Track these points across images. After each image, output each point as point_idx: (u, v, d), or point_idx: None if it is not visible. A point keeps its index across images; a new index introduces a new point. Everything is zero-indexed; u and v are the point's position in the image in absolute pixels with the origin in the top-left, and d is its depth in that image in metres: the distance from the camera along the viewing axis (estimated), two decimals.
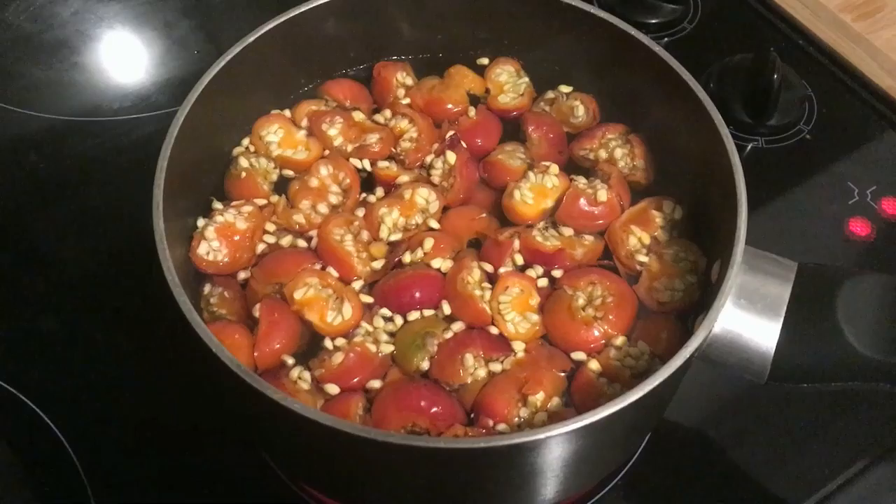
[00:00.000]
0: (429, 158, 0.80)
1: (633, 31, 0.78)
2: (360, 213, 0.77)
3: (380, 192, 0.79)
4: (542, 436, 0.56)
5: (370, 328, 0.71)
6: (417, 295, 0.72)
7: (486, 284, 0.73)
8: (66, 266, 0.89)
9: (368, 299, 0.72)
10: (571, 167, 0.82)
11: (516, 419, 0.66)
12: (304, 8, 0.78)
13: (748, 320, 0.63)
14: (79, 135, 0.98)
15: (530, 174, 0.78)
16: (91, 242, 0.91)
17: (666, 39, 1.06)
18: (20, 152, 0.98)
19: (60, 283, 0.89)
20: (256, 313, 0.70)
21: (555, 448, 0.59)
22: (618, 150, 0.80)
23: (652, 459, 0.79)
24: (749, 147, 0.97)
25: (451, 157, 0.79)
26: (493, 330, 0.71)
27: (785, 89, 0.97)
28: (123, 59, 1.06)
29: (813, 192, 0.94)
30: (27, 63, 1.05)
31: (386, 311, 0.71)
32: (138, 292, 0.82)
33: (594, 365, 0.69)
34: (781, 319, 0.63)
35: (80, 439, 0.78)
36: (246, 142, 0.82)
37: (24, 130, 0.99)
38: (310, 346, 0.71)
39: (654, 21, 1.06)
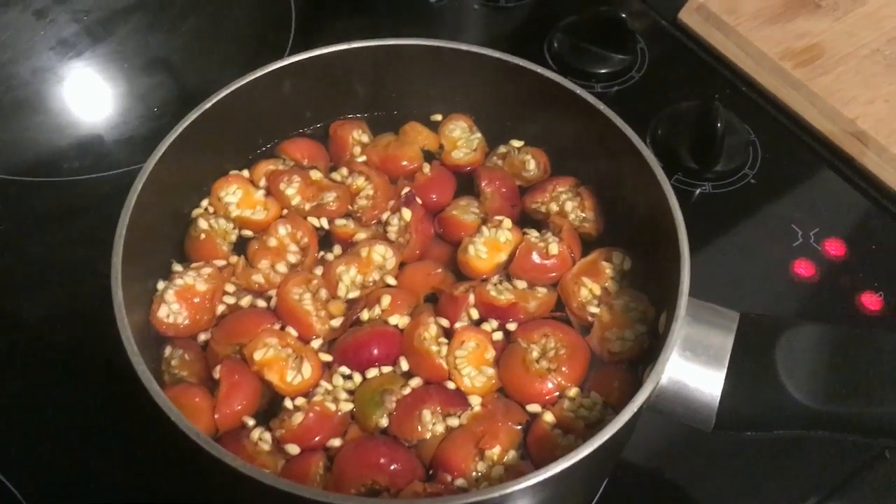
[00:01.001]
0: (385, 215, 0.82)
1: (577, 90, 0.81)
2: (319, 271, 0.79)
3: (337, 249, 0.81)
4: (497, 493, 0.57)
5: (329, 387, 0.72)
6: (375, 352, 0.73)
7: (443, 339, 0.75)
8: (25, 329, 0.89)
9: (328, 357, 0.73)
10: (524, 220, 0.84)
11: (474, 473, 0.68)
12: (261, 72, 0.80)
13: (694, 371, 0.65)
14: (36, 194, 0.98)
15: (484, 229, 0.80)
16: (51, 304, 0.91)
17: (616, 88, 1.09)
18: None
19: (18, 346, 0.89)
20: (217, 375, 0.71)
21: (514, 503, 0.61)
22: (568, 203, 0.83)
23: (611, 502, 0.81)
24: (697, 192, 1.01)
25: (407, 213, 0.81)
26: (450, 385, 0.72)
27: (729, 135, 1.01)
28: (83, 117, 1.07)
29: (758, 235, 0.97)
30: None
31: (345, 369, 0.73)
32: (100, 355, 0.82)
33: (549, 417, 0.71)
34: (725, 369, 0.65)
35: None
36: (205, 203, 0.83)
37: None
38: (270, 405, 0.72)
39: (603, 71, 1.09)
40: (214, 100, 0.78)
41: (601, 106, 0.79)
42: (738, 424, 0.65)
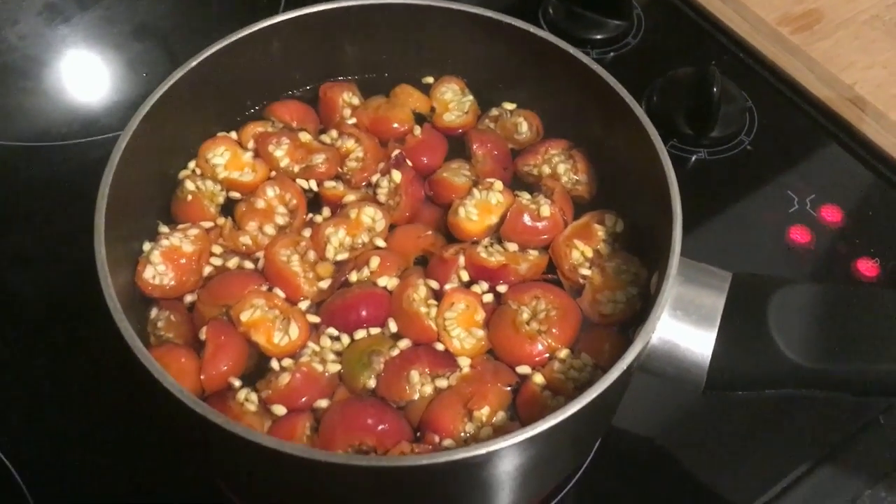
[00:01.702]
0: (374, 178, 0.81)
1: (571, 50, 0.79)
2: (307, 233, 0.78)
3: (326, 212, 0.80)
4: (484, 450, 0.56)
5: (317, 348, 0.71)
6: (364, 313, 0.72)
7: (432, 301, 0.74)
8: (11, 294, 0.89)
9: (315, 319, 0.73)
10: (516, 183, 0.83)
11: (462, 434, 0.67)
12: (248, 30, 0.79)
13: (684, 330, 0.65)
14: (25, 160, 0.97)
15: (475, 191, 0.79)
16: (38, 270, 0.90)
17: (612, 54, 1.08)
18: None
19: (7, 312, 0.88)
20: (203, 336, 0.70)
21: (501, 461, 0.60)
22: (560, 166, 0.82)
23: (602, 466, 0.80)
24: (693, 159, 0.99)
25: (397, 175, 0.80)
26: (439, 346, 0.71)
27: (726, 102, 0.99)
28: (72, 83, 1.06)
29: (754, 201, 0.97)
30: None
31: (333, 331, 0.72)
32: (87, 320, 0.82)
33: (538, 378, 0.70)
34: (716, 329, 0.64)
35: (30, 471, 0.78)
36: (192, 165, 0.82)
37: None
38: (257, 367, 0.71)
39: (599, 37, 1.08)
40: (199, 59, 0.76)
41: (595, 67, 0.78)
42: (729, 384, 0.65)
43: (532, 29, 0.81)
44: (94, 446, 0.80)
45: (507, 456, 0.60)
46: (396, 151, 0.82)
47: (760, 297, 0.65)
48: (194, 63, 0.76)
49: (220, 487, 0.78)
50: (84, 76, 1.06)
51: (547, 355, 0.71)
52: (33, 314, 0.88)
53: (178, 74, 0.75)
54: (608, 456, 0.80)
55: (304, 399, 0.68)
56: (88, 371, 0.83)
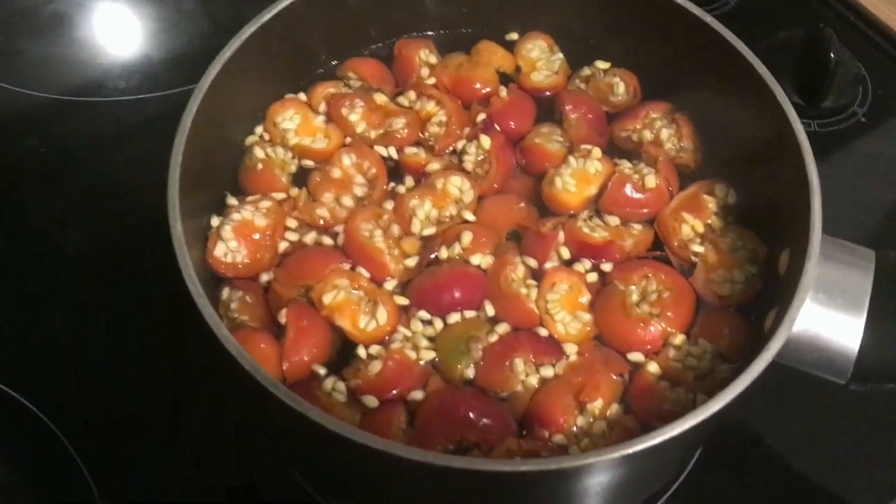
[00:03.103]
0: (460, 144, 0.74)
1: (679, 0, 0.71)
2: (389, 205, 0.71)
3: (409, 181, 0.73)
4: (617, 454, 0.51)
5: (408, 333, 0.65)
6: (457, 295, 0.66)
7: (531, 282, 0.67)
8: (69, 258, 0.82)
9: (403, 301, 0.66)
10: (612, 150, 0.76)
11: (574, 429, 0.61)
12: None
13: (828, 316, 0.58)
14: (81, 115, 0.91)
15: (571, 159, 0.72)
16: (96, 232, 0.84)
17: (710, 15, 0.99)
18: (18, 134, 0.91)
19: (63, 277, 0.82)
20: (282, 319, 0.64)
21: (624, 463, 0.54)
22: (664, 131, 0.74)
23: (711, 463, 0.73)
24: None
25: (486, 141, 0.73)
26: (542, 331, 0.65)
27: (838, 69, 0.91)
28: (128, 34, 0.99)
29: (869, 177, 0.89)
30: (25, 39, 0.97)
31: (424, 314, 0.66)
32: (150, 288, 0.76)
33: (653, 367, 0.63)
34: (864, 314, 0.58)
35: (92, 455, 0.72)
36: (259, 130, 0.75)
37: (23, 110, 0.91)
38: (340, 354, 0.65)
39: None
40: (272, 13, 0.70)
41: (707, 18, 0.70)
42: (879, 376, 0.58)
43: None
44: (161, 428, 0.74)
45: (634, 457, 0.53)
46: (482, 115, 0.75)
47: None
48: (266, 17, 0.69)
49: (295, 477, 0.73)
50: (141, 28, 0.99)
51: (661, 341, 0.64)
52: (89, 284, 0.81)
53: (250, 30, 0.68)
54: (715, 452, 0.73)
55: (396, 390, 0.62)
56: (152, 349, 0.77)
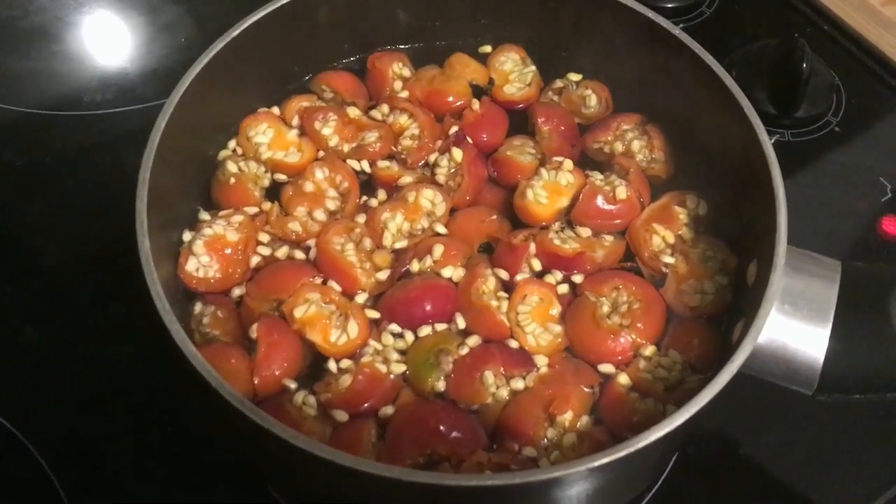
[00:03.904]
0: (432, 157, 0.74)
1: (649, 13, 0.72)
2: (361, 219, 0.71)
3: (381, 195, 0.73)
4: (584, 467, 0.51)
5: (379, 346, 0.65)
6: (428, 308, 0.66)
7: (503, 294, 0.67)
8: (45, 271, 0.82)
9: (375, 314, 0.66)
10: (585, 161, 0.76)
11: (544, 441, 0.61)
12: None
13: (794, 327, 0.58)
14: (59, 129, 0.91)
15: (543, 171, 0.72)
16: (71, 246, 0.83)
17: (682, 25, 0.99)
18: None
19: (37, 291, 0.82)
20: (253, 334, 0.64)
21: (595, 474, 0.54)
22: (635, 143, 0.75)
23: (684, 472, 0.73)
24: (773, 140, 0.91)
25: (458, 154, 0.73)
26: (513, 343, 0.65)
27: (811, 79, 0.91)
28: (105, 47, 0.99)
29: (842, 188, 0.89)
30: (1, 53, 0.97)
31: (395, 327, 0.66)
32: (125, 309, 0.76)
33: (623, 379, 0.64)
34: (830, 325, 0.58)
35: (65, 471, 0.71)
36: (232, 144, 0.75)
37: (0, 125, 0.91)
38: (312, 367, 0.65)
39: (670, 5, 0.99)
40: (242, 27, 0.70)
41: (676, 31, 0.70)
42: (845, 387, 0.58)
43: None
44: (134, 443, 0.73)
45: (601, 470, 0.54)
46: (455, 128, 0.75)
47: (880, 290, 0.58)
48: (237, 31, 0.69)
49: (270, 493, 0.72)
50: (119, 41, 0.99)
51: (631, 352, 0.65)
52: (66, 300, 0.81)
53: (221, 43, 0.68)
54: (689, 462, 0.73)
55: (367, 403, 0.62)
56: (129, 361, 0.76)
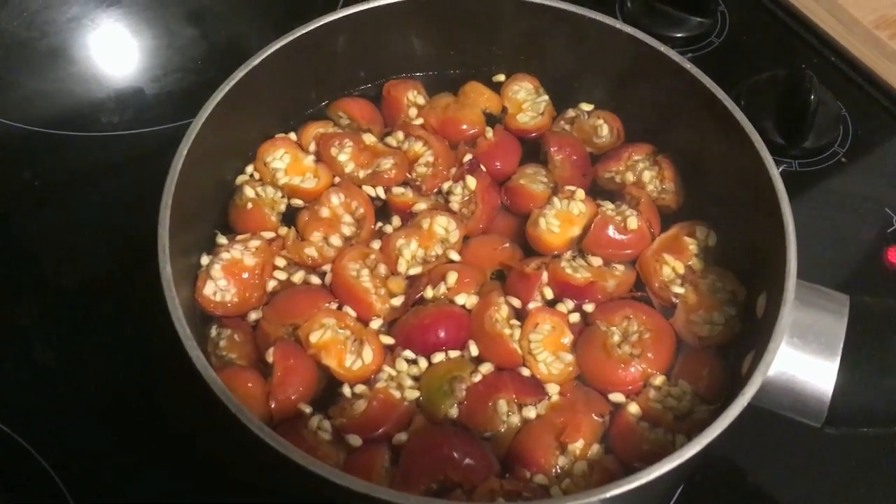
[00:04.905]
0: (447, 184, 0.76)
1: (660, 47, 0.74)
2: (376, 245, 0.72)
3: (396, 221, 0.74)
4: (596, 497, 0.52)
5: (393, 372, 0.66)
6: (442, 335, 0.67)
7: (515, 322, 0.68)
8: (61, 291, 0.83)
9: (389, 340, 0.67)
10: (596, 190, 0.77)
11: (555, 469, 0.62)
12: (313, 26, 0.73)
13: (803, 360, 0.59)
14: (75, 149, 0.92)
15: (555, 200, 0.74)
16: (87, 267, 0.84)
17: (690, 55, 1.01)
18: (13, 168, 0.91)
19: (53, 310, 0.83)
20: (270, 358, 0.65)
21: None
22: (646, 173, 0.76)
23: (691, 502, 0.74)
24: (781, 169, 0.92)
25: (472, 182, 0.74)
26: (525, 371, 0.66)
27: (819, 109, 0.92)
28: (122, 69, 1.00)
29: (848, 218, 0.89)
30: (21, 73, 0.98)
31: (409, 353, 0.67)
32: (143, 331, 0.76)
33: (633, 408, 0.64)
34: (838, 358, 0.59)
35: (78, 487, 0.72)
36: (250, 169, 0.76)
37: (18, 144, 0.92)
38: (326, 392, 0.66)
39: (679, 35, 1.00)
40: (263, 56, 0.71)
41: (687, 64, 0.72)
42: (853, 420, 0.59)
43: (614, 23, 0.75)
44: (150, 462, 0.74)
45: (614, 500, 0.54)
46: (469, 156, 0.77)
47: (889, 323, 0.59)
48: (257, 61, 0.70)
49: None
50: (135, 63, 1.00)
51: (642, 382, 0.66)
52: (81, 319, 0.81)
53: (243, 71, 0.70)
54: (697, 490, 0.74)
55: (381, 429, 0.63)
56: (142, 385, 0.77)
